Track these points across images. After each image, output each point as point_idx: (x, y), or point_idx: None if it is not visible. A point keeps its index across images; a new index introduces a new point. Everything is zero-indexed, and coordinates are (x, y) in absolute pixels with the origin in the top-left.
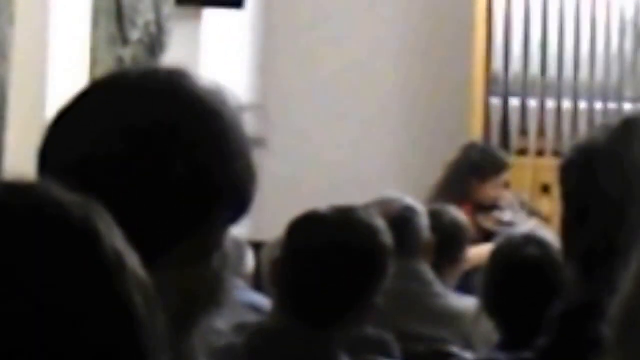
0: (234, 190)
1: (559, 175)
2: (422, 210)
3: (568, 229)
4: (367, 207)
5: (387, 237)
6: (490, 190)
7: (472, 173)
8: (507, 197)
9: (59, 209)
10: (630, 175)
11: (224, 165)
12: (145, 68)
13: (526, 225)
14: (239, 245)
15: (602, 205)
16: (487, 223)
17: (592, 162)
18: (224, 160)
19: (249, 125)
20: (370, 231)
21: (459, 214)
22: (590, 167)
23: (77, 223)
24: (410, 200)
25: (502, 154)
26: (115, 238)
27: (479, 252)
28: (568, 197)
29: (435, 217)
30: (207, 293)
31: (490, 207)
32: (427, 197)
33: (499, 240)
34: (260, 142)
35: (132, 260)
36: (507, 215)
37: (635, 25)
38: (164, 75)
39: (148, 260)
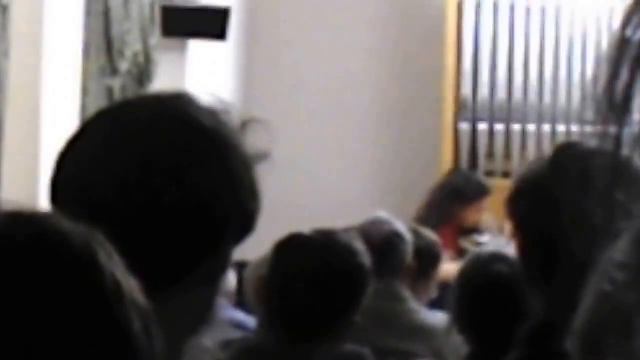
0: (240, 216)
1: (508, 209)
2: (409, 238)
3: (524, 254)
4: (348, 229)
5: (366, 259)
6: (471, 214)
7: (456, 197)
8: (487, 220)
9: (60, 238)
10: (570, 200)
11: (230, 194)
12: (146, 98)
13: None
14: None
15: (553, 231)
16: (466, 244)
17: (538, 190)
18: (230, 189)
19: (251, 140)
20: (350, 253)
21: (432, 233)
22: (536, 195)
23: (78, 252)
24: (400, 226)
25: (484, 180)
26: (115, 266)
27: (448, 269)
28: (520, 228)
29: (410, 235)
30: (207, 312)
31: (471, 230)
32: (414, 218)
33: (468, 257)
34: (264, 156)
35: (132, 287)
36: (484, 238)
37: (597, 51)
38: (167, 106)
39: (164, 286)
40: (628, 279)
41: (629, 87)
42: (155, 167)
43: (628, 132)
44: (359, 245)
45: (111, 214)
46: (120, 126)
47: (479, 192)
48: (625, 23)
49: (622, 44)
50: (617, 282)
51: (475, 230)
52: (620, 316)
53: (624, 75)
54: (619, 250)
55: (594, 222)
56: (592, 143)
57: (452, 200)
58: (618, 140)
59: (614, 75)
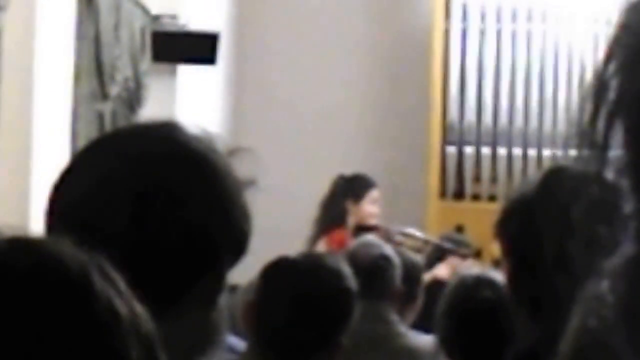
0: (234, 239)
1: (496, 231)
2: (397, 261)
3: (512, 277)
4: (335, 252)
5: (352, 282)
6: (367, 207)
7: (347, 194)
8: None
9: (57, 265)
10: (562, 221)
11: (224, 219)
12: (137, 127)
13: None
14: None
15: (542, 252)
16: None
17: (527, 213)
18: (223, 214)
19: (240, 167)
20: (336, 276)
21: (413, 255)
22: (525, 218)
23: (75, 278)
24: (389, 250)
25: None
26: (113, 293)
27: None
28: (507, 250)
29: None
30: (211, 335)
31: (371, 227)
32: (310, 234)
33: (453, 282)
34: (251, 183)
35: (135, 313)
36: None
37: (581, 77)
38: (158, 134)
39: (159, 308)
40: (615, 317)
41: (608, 129)
42: (150, 194)
43: (613, 157)
44: (345, 268)
45: (105, 239)
46: (112, 155)
47: (368, 182)
48: (604, 66)
49: (600, 87)
50: (603, 319)
51: (373, 227)
52: (607, 353)
53: (603, 117)
54: (603, 287)
55: (574, 257)
56: (581, 167)
57: (345, 200)
58: (599, 177)
59: (593, 117)
